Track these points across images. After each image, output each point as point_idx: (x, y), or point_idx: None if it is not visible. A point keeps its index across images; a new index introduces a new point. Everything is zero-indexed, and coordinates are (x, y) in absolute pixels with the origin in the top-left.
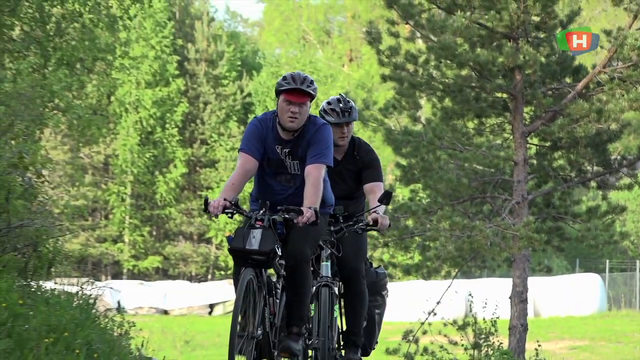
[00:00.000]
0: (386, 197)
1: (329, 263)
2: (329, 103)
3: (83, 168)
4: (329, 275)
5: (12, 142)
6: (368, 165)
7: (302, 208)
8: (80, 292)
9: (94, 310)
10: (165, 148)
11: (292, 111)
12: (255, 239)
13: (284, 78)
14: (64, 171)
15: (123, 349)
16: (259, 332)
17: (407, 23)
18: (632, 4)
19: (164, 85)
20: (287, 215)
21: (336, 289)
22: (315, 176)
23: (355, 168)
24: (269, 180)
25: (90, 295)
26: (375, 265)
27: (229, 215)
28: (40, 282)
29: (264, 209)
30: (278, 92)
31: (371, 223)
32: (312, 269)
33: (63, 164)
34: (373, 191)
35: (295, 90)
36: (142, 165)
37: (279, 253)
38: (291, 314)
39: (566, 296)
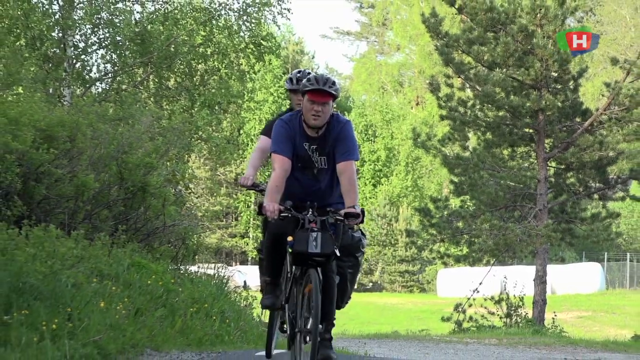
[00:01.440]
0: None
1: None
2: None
3: (219, 182)
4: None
5: (168, 163)
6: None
7: (349, 210)
8: (216, 274)
9: (226, 288)
10: None
11: (316, 110)
12: (316, 242)
13: (309, 79)
14: (205, 185)
15: (247, 316)
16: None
17: (459, 77)
18: (625, 63)
19: None
20: (341, 218)
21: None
22: (350, 172)
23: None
24: (297, 174)
25: (224, 276)
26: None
27: (283, 218)
28: (187, 267)
29: (311, 210)
30: (303, 93)
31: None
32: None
33: (205, 179)
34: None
35: (319, 90)
36: (263, 180)
37: (338, 254)
38: (325, 319)
39: (575, 279)
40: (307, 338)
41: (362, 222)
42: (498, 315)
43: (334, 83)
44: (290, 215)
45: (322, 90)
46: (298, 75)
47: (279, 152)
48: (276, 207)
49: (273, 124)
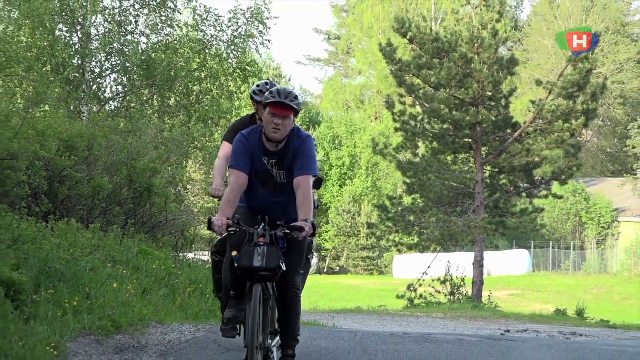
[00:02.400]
0: (317, 183)
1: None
2: (258, 85)
3: (212, 184)
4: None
5: (169, 168)
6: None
7: (300, 223)
8: (208, 259)
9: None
10: None
11: (276, 123)
12: (260, 256)
13: (270, 92)
14: (200, 186)
15: None
16: (268, 341)
17: (410, 96)
18: (547, 84)
19: None
20: (287, 231)
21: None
22: (305, 187)
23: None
24: (256, 187)
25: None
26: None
27: (232, 232)
28: (185, 254)
29: (263, 224)
30: (265, 105)
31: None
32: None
33: (199, 181)
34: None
35: (279, 103)
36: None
37: (283, 267)
38: (286, 335)
39: (507, 263)
40: (270, 354)
41: (312, 235)
42: (443, 293)
43: (295, 97)
44: (237, 229)
45: (283, 103)
46: (266, 86)
47: (235, 167)
48: (224, 221)
49: (234, 129)
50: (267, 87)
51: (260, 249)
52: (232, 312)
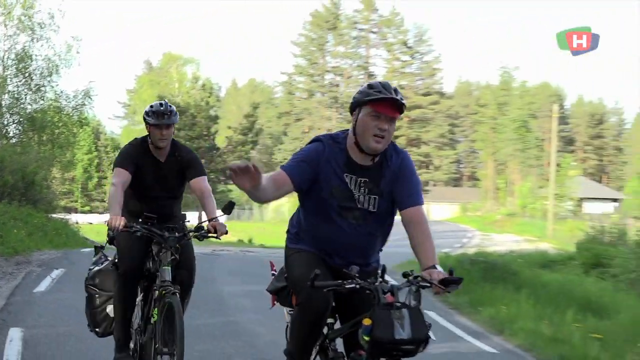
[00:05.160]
0: (229, 208)
1: (169, 268)
2: (151, 106)
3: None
4: (171, 280)
5: (43, 171)
6: (190, 163)
7: (443, 274)
8: (64, 218)
9: None
10: None
11: (381, 128)
12: (403, 324)
13: (371, 86)
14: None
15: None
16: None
17: None
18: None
19: None
20: (425, 284)
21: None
22: (425, 223)
23: (178, 167)
24: (334, 216)
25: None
26: None
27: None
28: (51, 215)
29: (380, 277)
30: (359, 104)
31: (212, 231)
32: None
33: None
34: (201, 189)
35: (390, 100)
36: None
37: (433, 338)
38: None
39: None
40: None
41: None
42: None
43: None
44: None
45: (393, 100)
46: (160, 108)
47: (287, 170)
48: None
49: (126, 154)
50: (162, 108)
51: (398, 312)
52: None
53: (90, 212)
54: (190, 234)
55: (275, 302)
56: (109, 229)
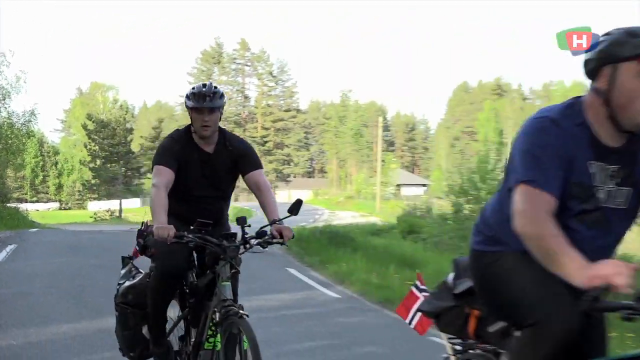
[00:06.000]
0: (296, 207)
1: (229, 284)
2: (193, 88)
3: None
4: (232, 298)
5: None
6: (243, 153)
7: None
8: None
9: None
10: None
11: None
12: None
13: (632, 34)
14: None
15: None
16: None
17: None
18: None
19: None
20: None
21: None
22: None
23: (229, 160)
24: (572, 223)
25: None
26: None
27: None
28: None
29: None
30: (614, 59)
31: (278, 236)
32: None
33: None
34: (258, 184)
35: None
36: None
37: None
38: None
39: None
40: None
41: None
42: None
43: None
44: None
45: None
46: (203, 89)
47: (538, 184)
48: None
49: (167, 149)
50: (204, 89)
51: None
52: None
53: (37, 201)
54: (252, 241)
55: (425, 328)
56: (138, 237)
